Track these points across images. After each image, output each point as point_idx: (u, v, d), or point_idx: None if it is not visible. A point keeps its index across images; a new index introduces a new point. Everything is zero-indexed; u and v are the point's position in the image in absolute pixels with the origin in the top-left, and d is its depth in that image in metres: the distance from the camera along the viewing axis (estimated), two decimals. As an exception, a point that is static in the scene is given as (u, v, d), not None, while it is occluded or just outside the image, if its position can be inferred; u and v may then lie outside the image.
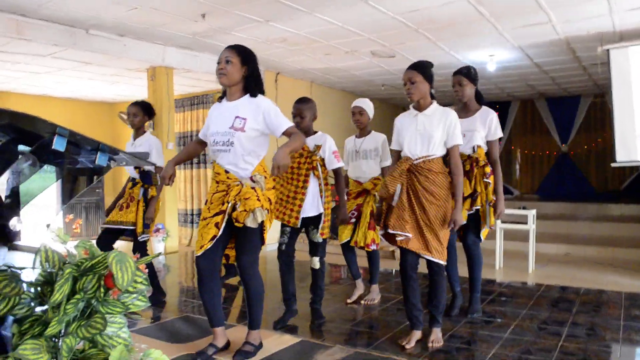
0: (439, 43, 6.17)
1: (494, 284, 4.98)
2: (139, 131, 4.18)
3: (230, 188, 2.74)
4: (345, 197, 3.82)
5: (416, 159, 3.01)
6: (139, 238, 4.01)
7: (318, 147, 3.52)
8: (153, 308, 4.07)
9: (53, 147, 1.44)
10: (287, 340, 3.27)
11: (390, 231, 3.04)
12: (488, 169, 3.53)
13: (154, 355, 1.47)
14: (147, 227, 4.05)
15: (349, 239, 4.02)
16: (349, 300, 4.21)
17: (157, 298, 4.20)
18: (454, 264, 3.78)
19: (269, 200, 2.82)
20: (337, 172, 3.61)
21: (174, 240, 6.98)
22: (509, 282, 5.03)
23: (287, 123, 2.79)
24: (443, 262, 3.03)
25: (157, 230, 6.54)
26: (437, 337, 3.15)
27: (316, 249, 3.62)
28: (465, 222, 3.50)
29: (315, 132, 3.63)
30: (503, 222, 5.81)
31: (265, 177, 2.80)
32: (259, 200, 2.72)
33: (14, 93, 8.29)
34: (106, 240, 4.03)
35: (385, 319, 3.80)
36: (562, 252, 6.88)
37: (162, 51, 6.26)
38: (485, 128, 3.57)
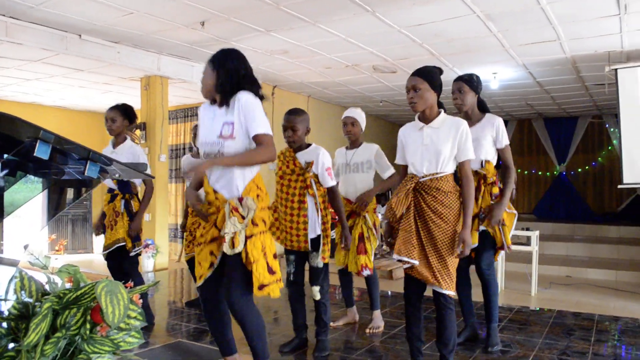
0: (442, 59, 6.04)
1: (500, 308, 4.74)
2: (118, 138, 3.88)
3: (219, 210, 2.41)
4: (345, 217, 3.50)
5: (422, 177, 2.69)
6: (130, 253, 3.74)
7: (309, 164, 3.19)
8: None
9: (35, 154, 1.20)
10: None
11: (396, 256, 2.71)
12: (496, 190, 3.27)
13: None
14: (138, 239, 3.77)
15: (343, 266, 3.78)
16: (332, 324, 3.89)
17: (147, 320, 3.90)
18: (468, 294, 3.50)
19: (264, 221, 2.45)
20: (331, 190, 3.29)
21: (163, 257, 6.69)
22: (516, 306, 4.81)
23: (265, 127, 2.39)
24: (452, 294, 2.67)
25: (147, 246, 6.26)
26: None
27: (317, 276, 3.27)
28: (476, 244, 3.26)
29: (309, 145, 3.29)
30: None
31: (258, 196, 2.45)
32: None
33: (4, 100, 8.03)
34: (113, 265, 3.80)
35: (393, 349, 3.52)
36: (562, 274, 6.70)
37: (157, 60, 6.05)
38: (493, 134, 3.28)
